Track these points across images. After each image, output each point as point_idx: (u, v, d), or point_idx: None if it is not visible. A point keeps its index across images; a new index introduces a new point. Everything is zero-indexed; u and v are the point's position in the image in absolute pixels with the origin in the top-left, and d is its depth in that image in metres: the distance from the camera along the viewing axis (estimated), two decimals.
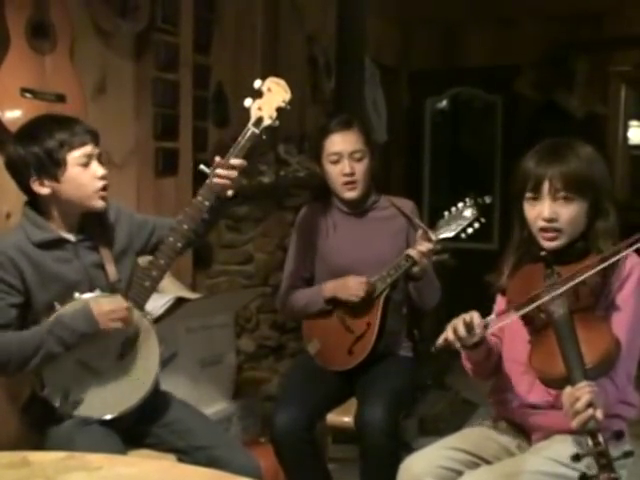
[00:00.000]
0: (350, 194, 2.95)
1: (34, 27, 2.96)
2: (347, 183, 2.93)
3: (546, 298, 1.97)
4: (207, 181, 2.41)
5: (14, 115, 2.87)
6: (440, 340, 2.08)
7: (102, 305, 2.27)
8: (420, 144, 6.94)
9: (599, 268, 1.97)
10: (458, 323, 2.05)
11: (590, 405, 1.73)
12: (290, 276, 3.09)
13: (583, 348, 1.87)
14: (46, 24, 3.00)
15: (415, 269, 2.80)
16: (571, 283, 1.96)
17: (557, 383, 1.89)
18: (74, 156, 2.30)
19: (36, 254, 2.30)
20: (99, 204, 2.36)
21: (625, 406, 2.11)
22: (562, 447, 2.03)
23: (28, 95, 2.94)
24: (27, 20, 2.93)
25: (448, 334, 2.06)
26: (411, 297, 2.98)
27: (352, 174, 2.91)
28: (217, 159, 2.44)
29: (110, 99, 3.47)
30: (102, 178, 2.34)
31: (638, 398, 2.17)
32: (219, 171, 2.41)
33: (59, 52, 3.06)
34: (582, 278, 1.96)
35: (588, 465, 1.73)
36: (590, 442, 1.71)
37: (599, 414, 1.73)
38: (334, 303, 2.94)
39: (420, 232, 2.76)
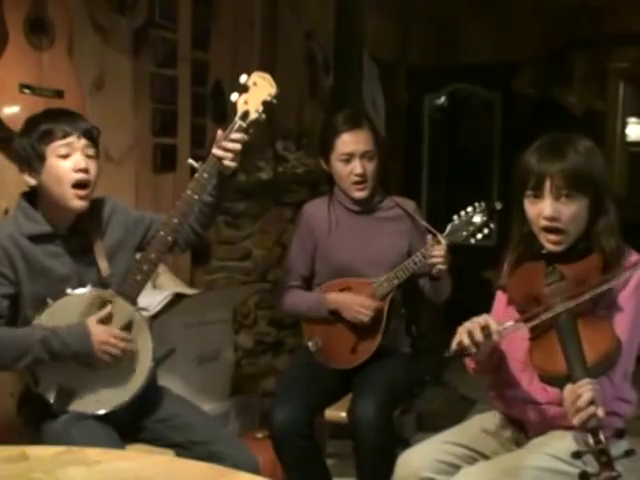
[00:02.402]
0: (360, 194, 2.94)
1: (32, 23, 2.96)
2: (357, 183, 2.92)
3: (557, 311, 1.95)
4: (196, 175, 2.42)
5: (12, 111, 2.88)
6: (454, 345, 2.03)
7: (104, 332, 2.28)
8: (418, 140, 6.95)
9: (607, 287, 1.96)
10: (474, 328, 2.00)
11: (592, 403, 1.73)
12: (289, 274, 3.08)
13: (585, 347, 1.87)
14: (44, 20, 3.01)
15: (436, 270, 2.79)
16: (577, 300, 1.95)
17: (558, 381, 1.89)
18: (54, 146, 2.29)
19: (27, 246, 2.31)
20: (76, 204, 2.32)
21: (621, 403, 2.11)
22: (561, 443, 2.03)
23: (26, 91, 2.94)
24: (25, 16, 2.94)
25: (463, 339, 2.00)
26: (410, 295, 2.98)
27: (363, 174, 2.91)
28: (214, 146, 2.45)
29: (108, 95, 3.47)
30: (81, 171, 2.30)
31: (634, 395, 2.16)
32: (220, 144, 2.41)
33: (57, 48, 3.06)
34: (590, 295, 1.95)
35: (586, 462, 1.73)
36: (591, 440, 1.71)
37: (600, 412, 1.73)
38: None
39: (430, 238, 2.76)
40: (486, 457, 2.21)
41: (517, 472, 2.01)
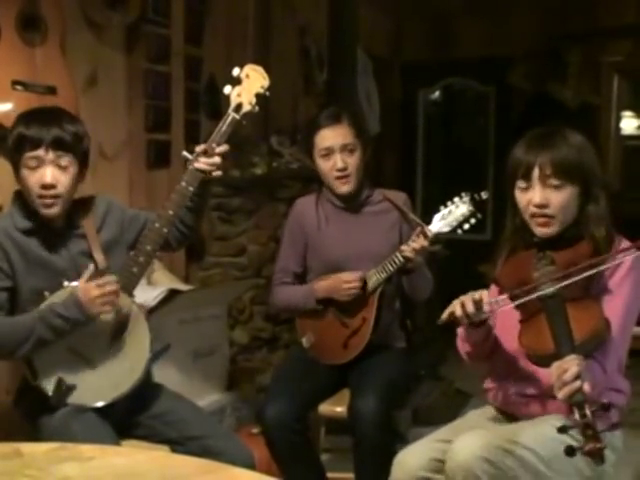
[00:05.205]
0: (343, 188, 2.93)
1: (25, 20, 2.96)
2: (340, 177, 2.91)
3: (544, 292, 1.97)
4: (190, 166, 2.42)
5: (5, 108, 2.88)
6: (445, 314, 2.08)
7: (90, 291, 2.26)
8: (413, 135, 6.95)
9: (595, 271, 1.98)
10: (467, 300, 2.05)
11: (577, 377, 1.75)
12: (281, 271, 3.08)
13: (572, 325, 1.89)
14: (37, 16, 3.00)
15: (409, 264, 2.80)
16: (564, 283, 1.96)
17: (545, 360, 1.90)
18: (24, 157, 2.28)
19: (23, 240, 2.32)
20: (43, 211, 2.31)
21: (614, 393, 2.11)
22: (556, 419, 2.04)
23: (19, 87, 2.94)
24: (18, 13, 2.93)
25: (456, 309, 2.06)
26: (404, 290, 2.98)
27: (344, 168, 2.90)
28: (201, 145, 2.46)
29: (101, 91, 3.47)
30: (45, 187, 2.26)
31: (627, 386, 2.18)
32: (205, 158, 2.42)
33: (50, 44, 3.05)
34: (577, 279, 1.96)
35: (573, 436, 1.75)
36: (577, 414, 1.72)
37: (586, 386, 1.74)
38: (328, 299, 2.95)
39: (418, 229, 2.76)
40: None
41: (517, 439, 1.99)
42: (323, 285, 2.94)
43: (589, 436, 1.69)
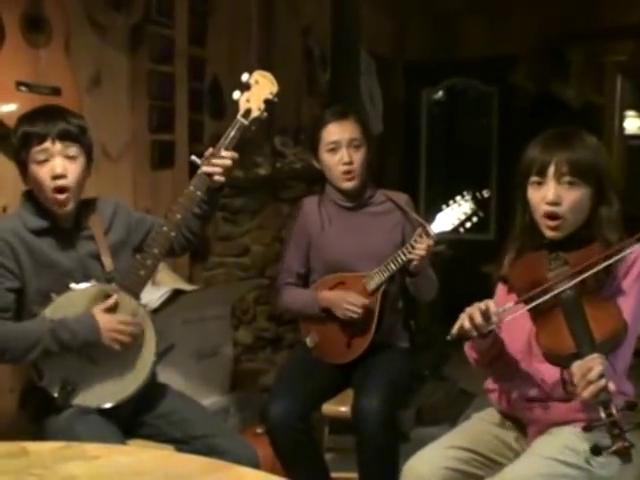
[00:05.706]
0: (348, 184, 2.95)
1: (29, 21, 2.96)
2: (346, 172, 2.93)
3: (560, 289, 1.97)
4: (198, 171, 2.44)
5: (9, 109, 2.88)
6: (455, 329, 2.06)
7: (110, 321, 2.29)
8: (416, 135, 6.95)
9: (608, 263, 1.97)
10: (474, 312, 2.03)
11: (602, 376, 1.74)
12: (285, 271, 3.09)
13: (592, 325, 1.89)
14: (41, 18, 3.01)
15: (412, 266, 2.80)
16: (580, 277, 1.96)
17: (565, 360, 1.89)
18: (32, 153, 2.29)
19: (32, 240, 2.32)
20: (57, 209, 2.33)
21: (620, 396, 2.10)
22: (562, 442, 2.04)
23: (23, 88, 2.94)
24: (22, 14, 2.94)
25: (464, 322, 2.03)
26: (409, 291, 2.99)
27: (350, 163, 2.91)
28: (210, 150, 2.47)
29: (105, 92, 3.47)
30: (57, 177, 2.29)
31: (632, 388, 2.17)
32: (212, 161, 2.43)
33: (54, 45, 3.06)
34: (591, 272, 1.96)
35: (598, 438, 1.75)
36: (603, 413, 1.71)
37: (611, 385, 1.74)
38: None
39: (419, 229, 2.76)
40: (490, 459, 2.20)
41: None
42: (327, 296, 2.94)
43: (616, 435, 1.68)
